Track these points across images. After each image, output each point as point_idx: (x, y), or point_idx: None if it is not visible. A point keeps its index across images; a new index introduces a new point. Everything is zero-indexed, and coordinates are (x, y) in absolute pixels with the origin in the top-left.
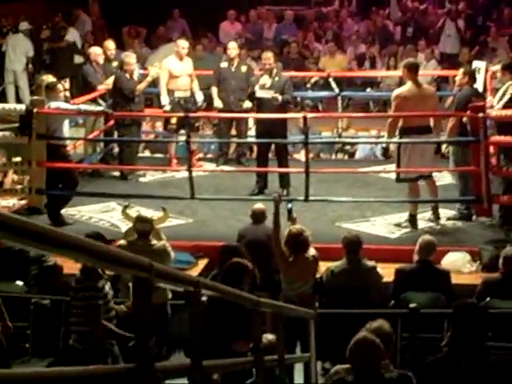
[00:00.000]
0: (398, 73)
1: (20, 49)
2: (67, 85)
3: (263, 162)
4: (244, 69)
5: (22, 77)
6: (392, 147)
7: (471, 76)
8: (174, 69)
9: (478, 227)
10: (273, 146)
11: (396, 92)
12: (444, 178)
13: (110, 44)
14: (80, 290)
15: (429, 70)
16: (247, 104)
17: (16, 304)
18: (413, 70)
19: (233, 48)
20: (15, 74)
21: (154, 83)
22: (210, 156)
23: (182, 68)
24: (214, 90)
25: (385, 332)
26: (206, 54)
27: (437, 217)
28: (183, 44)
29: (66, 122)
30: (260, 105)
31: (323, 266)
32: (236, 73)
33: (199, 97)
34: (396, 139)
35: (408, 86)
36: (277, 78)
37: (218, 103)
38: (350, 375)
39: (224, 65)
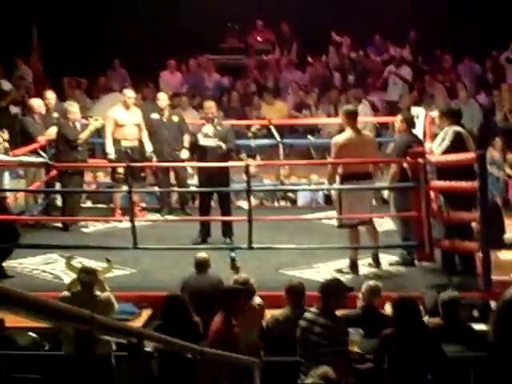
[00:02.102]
0: (338, 120)
1: None
2: (6, 136)
3: (205, 210)
4: (176, 119)
5: None
6: (333, 194)
7: (410, 122)
8: (120, 118)
9: (420, 272)
10: (215, 195)
11: (335, 139)
12: (385, 223)
13: (51, 94)
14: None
15: (366, 117)
16: (184, 154)
17: None
18: (351, 116)
19: (162, 99)
20: None
21: (99, 133)
22: (152, 206)
23: (128, 117)
24: (145, 136)
25: (331, 379)
26: (147, 103)
27: (377, 263)
28: (130, 94)
29: (7, 174)
30: (202, 154)
31: (268, 314)
32: (168, 123)
33: (148, 147)
34: (337, 186)
35: (347, 133)
36: (219, 127)
37: (148, 147)
38: None
39: (155, 116)
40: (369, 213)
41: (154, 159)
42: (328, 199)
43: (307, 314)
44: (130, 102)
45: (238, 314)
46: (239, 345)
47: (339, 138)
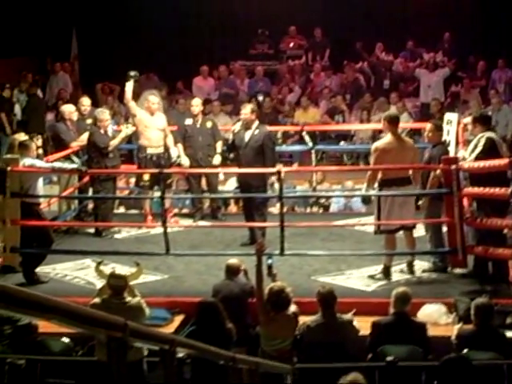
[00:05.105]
0: (371, 126)
1: None
2: (40, 142)
3: (248, 213)
4: (209, 125)
5: None
6: (373, 199)
7: (441, 130)
8: (144, 120)
9: (452, 279)
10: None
11: (376, 144)
12: (418, 230)
13: (86, 100)
14: None
15: (401, 123)
16: (217, 159)
17: None
18: (393, 122)
19: (196, 105)
20: None
21: (131, 140)
22: (184, 211)
23: (152, 123)
24: (180, 147)
25: None
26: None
27: (411, 270)
28: (153, 100)
29: (40, 180)
30: (237, 155)
31: (300, 321)
32: (201, 129)
33: (174, 152)
34: (374, 191)
35: (388, 138)
36: (257, 131)
37: (185, 161)
38: None
39: (189, 122)
40: (411, 218)
41: (186, 164)
42: (367, 200)
43: None
44: (154, 108)
45: None
46: None
47: (380, 143)
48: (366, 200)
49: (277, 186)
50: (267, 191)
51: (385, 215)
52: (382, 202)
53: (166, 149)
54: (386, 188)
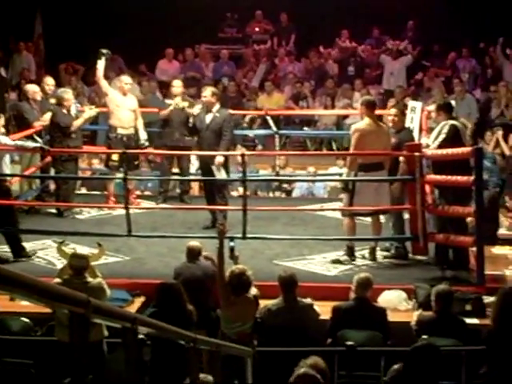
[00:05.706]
0: (335, 112)
1: None
2: (2, 121)
3: (209, 196)
4: (186, 104)
5: None
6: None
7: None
8: (116, 100)
9: (413, 265)
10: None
11: (355, 126)
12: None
13: (50, 80)
14: None
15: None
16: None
17: None
18: (370, 106)
19: (177, 86)
20: None
21: (96, 121)
22: (147, 193)
23: (123, 103)
24: (140, 124)
25: (320, 368)
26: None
27: (373, 256)
28: (126, 80)
29: (7, 157)
30: (198, 136)
31: (261, 304)
32: (179, 109)
33: (142, 135)
34: (349, 176)
35: (366, 121)
36: (218, 114)
37: (143, 135)
38: None
39: (169, 102)
40: (386, 203)
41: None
42: (346, 187)
43: None
44: (127, 88)
45: None
46: None
47: (359, 125)
48: (346, 188)
49: (222, 170)
50: (229, 173)
51: (359, 199)
52: (357, 186)
53: (136, 131)
54: (363, 173)
